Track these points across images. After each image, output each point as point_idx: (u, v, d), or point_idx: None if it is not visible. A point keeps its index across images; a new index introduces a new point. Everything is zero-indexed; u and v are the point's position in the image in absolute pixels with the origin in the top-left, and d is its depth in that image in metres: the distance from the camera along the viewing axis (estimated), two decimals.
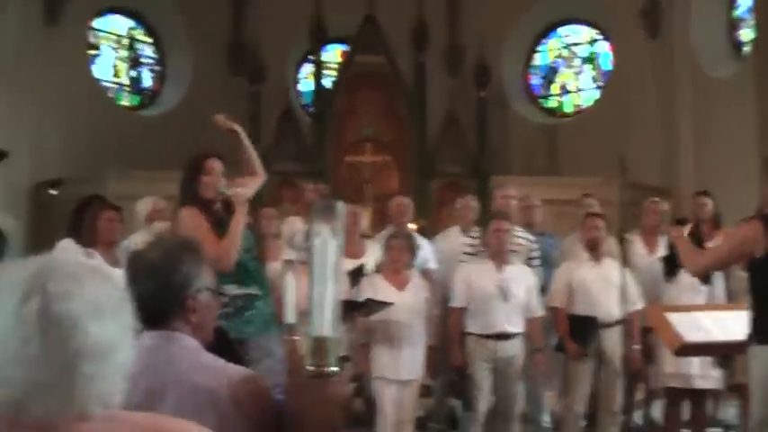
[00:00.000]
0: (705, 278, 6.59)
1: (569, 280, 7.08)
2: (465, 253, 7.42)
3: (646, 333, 6.98)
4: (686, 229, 5.47)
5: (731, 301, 6.74)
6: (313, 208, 1.98)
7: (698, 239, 6.17)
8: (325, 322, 1.91)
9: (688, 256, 5.16)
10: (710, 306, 6.25)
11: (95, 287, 1.56)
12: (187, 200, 5.16)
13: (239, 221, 5.09)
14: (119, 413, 1.60)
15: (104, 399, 1.54)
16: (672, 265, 6.81)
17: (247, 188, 5.43)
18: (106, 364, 1.53)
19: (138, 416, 1.65)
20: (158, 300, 2.49)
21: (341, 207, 1.96)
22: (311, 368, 1.94)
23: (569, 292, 7.06)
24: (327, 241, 1.92)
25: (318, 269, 1.92)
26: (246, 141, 5.52)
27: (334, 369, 1.96)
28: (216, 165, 5.16)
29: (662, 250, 7.43)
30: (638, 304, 6.90)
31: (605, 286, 6.94)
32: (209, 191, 5.14)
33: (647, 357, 7.22)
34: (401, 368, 6.64)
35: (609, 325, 6.94)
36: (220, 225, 5.09)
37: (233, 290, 5.01)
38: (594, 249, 7.14)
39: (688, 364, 6.77)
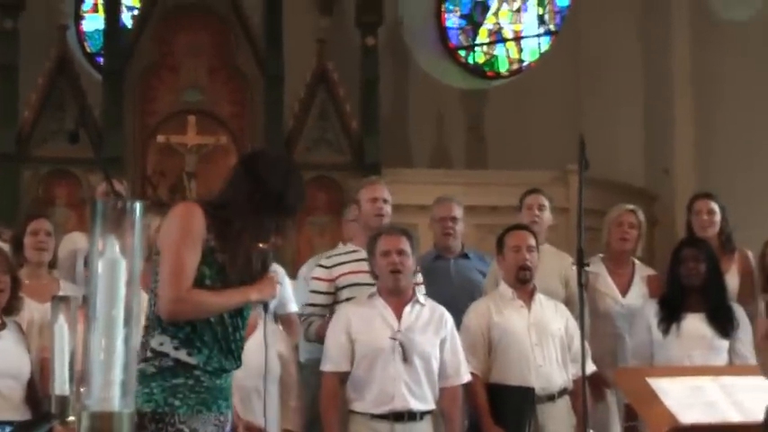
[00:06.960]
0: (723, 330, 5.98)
1: (487, 330, 6.16)
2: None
3: (628, 411, 6.28)
4: None
5: None
6: (94, 212, 1.67)
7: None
8: (113, 390, 1.64)
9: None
10: (720, 368, 5.65)
11: None
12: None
13: (242, 297, 3.99)
14: None
15: None
16: (670, 311, 6.09)
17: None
18: None
19: None
20: None
21: (138, 210, 1.68)
22: None
23: (487, 349, 6.18)
24: (116, 264, 1.63)
25: (102, 309, 1.64)
26: None
27: None
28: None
29: (638, 287, 6.71)
30: (589, 366, 5.97)
31: (542, 339, 6.07)
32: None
33: None
34: None
35: (550, 398, 6.05)
36: (246, 274, 3.98)
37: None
38: (524, 282, 6.13)
39: None
